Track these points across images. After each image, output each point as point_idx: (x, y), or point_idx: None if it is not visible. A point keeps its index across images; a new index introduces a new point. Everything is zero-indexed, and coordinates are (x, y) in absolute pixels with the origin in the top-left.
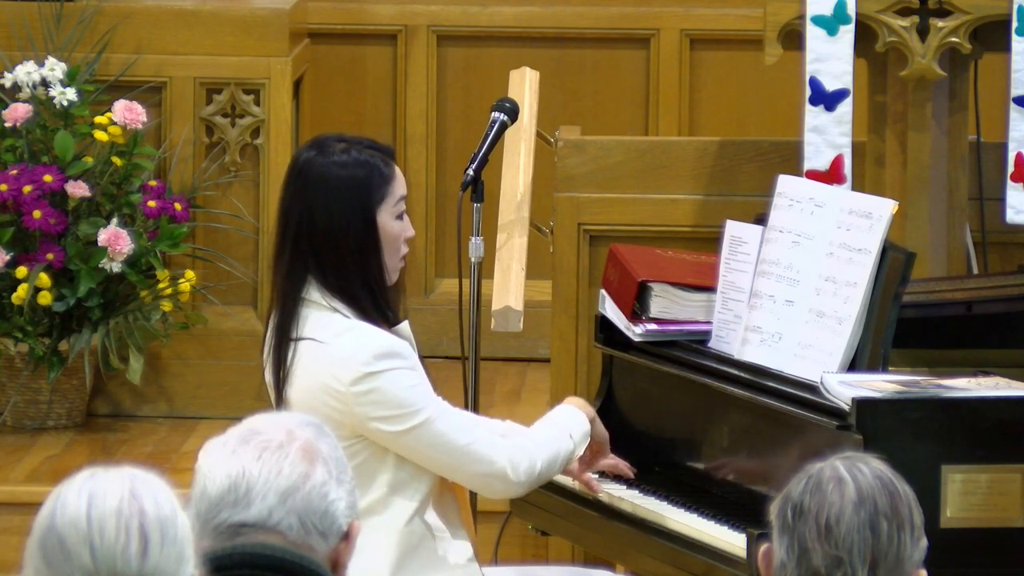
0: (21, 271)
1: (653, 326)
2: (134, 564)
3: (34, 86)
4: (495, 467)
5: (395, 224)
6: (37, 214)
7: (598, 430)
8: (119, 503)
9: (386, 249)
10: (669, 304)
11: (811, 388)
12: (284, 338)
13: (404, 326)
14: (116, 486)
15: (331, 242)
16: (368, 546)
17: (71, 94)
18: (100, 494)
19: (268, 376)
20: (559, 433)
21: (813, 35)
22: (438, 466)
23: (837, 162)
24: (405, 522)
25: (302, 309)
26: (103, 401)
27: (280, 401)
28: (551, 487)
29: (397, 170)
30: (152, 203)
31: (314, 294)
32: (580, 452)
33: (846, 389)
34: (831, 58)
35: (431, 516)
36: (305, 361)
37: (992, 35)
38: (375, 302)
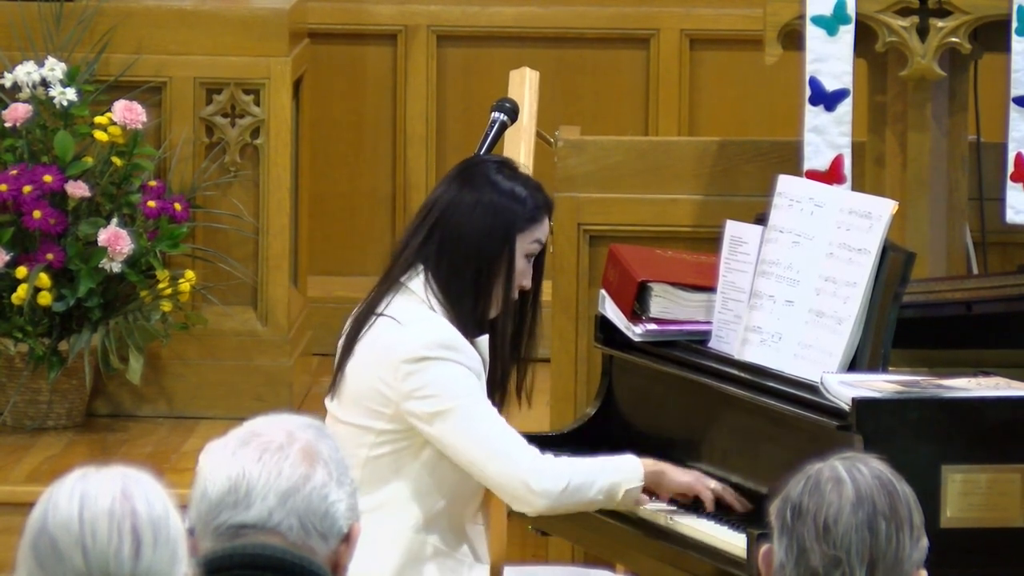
0: (21, 271)
1: (653, 326)
2: (127, 565)
3: (34, 86)
4: (519, 471)
5: (520, 261)
6: (37, 214)
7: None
8: (111, 503)
9: None
10: (669, 304)
11: (811, 388)
12: (369, 312)
13: (483, 340)
14: (108, 486)
15: (462, 246)
16: (374, 542)
17: (71, 94)
18: (92, 495)
19: (340, 343)
20: (603, 466)
21: (813, 35)
22: (464, 459)
23: (837, 162)
24: (416, 528)
25: (397, 293)
26: (103, 401)
27: (339, 371)
28: None
29: (547, 221)
30: (152, 203)
31: (415, 283)
32: (627, 487)
33: (846, 389)
34: (831, 58)
35: (458, 537)
36: (375, 334)
37: (992, 35)
38: (473, 311)
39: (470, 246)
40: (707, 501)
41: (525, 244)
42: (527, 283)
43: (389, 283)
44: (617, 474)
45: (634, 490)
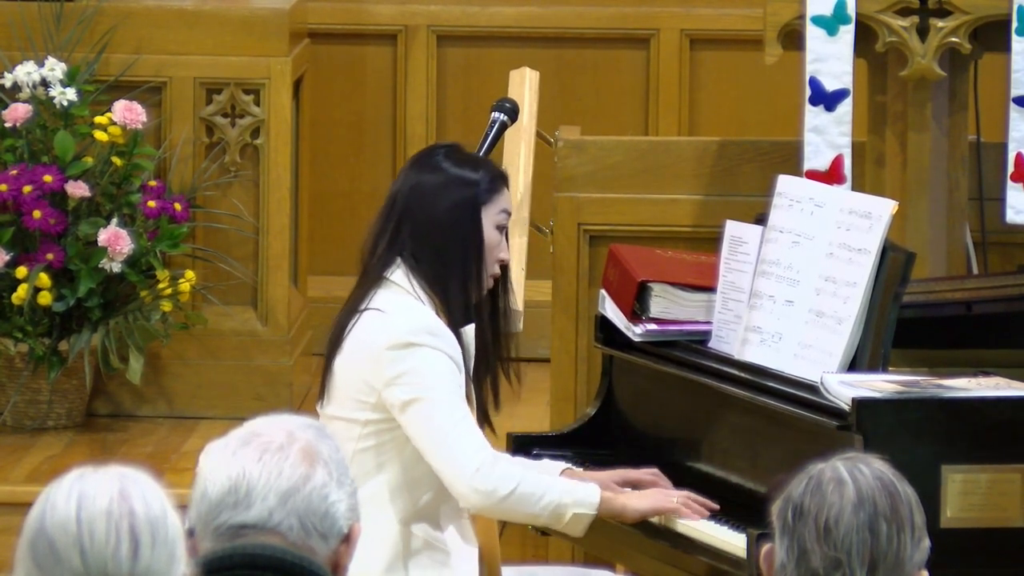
0: (21, 271)
1: (653, 326)
2: (125, 565)
3: (34, 86)
4: (466, 467)
5: (493, 233)
6: (37, 214)
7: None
8: (109, 504)
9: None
10: (669, 304)
11: (811, 388)
12: (352, 311)
13: (468, 331)
14: (105, 487)
15: (435, 228)
16: (362, 536)
17: (71, 94)
18: (89, 495)
19: (327, 346)
20: (559, 485)
21: (813, 35)
22: (420, 447)
23: (837, 162)
24: (403, 520)
25: (379, 288)
26: (103, 401)
27: (327, 370)
28: None
29: (507, 190)
30: (152, 203)
31: (397, 276)
32: (575, 511)
33: (846, 389)
34: (831, 58)
35: (444, 529)
36: (361, 327)
37: (992, 35)
38: (461, 293)
39: (443, 228)
40: (680, 516)
41: (492, 216)
42: (505, 255)
43: (369, 281)
44: (568, 496)
45: (583, 516)
